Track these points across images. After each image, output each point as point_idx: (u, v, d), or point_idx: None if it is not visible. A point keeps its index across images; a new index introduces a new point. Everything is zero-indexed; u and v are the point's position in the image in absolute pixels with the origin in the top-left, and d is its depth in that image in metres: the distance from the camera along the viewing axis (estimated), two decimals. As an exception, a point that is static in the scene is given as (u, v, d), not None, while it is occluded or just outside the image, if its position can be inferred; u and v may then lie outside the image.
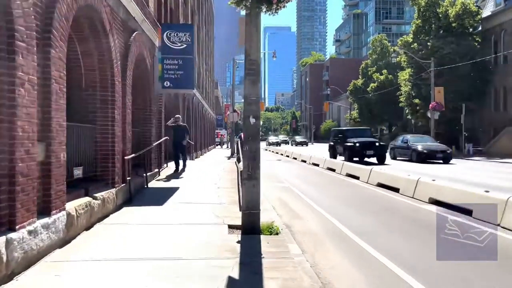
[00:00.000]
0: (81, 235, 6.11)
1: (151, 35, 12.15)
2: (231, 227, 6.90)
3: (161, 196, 9.59)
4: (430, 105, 33.79)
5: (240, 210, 8.24)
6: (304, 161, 23.72)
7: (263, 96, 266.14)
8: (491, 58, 35.72)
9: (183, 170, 14.29)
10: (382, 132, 62.59)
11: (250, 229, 6.46)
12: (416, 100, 38.44)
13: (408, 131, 49.97)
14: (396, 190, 11.03)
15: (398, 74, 44.94)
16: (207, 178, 12.54)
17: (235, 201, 9.14)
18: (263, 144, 63.48)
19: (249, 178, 6.59)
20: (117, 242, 5.81)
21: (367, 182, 13.07)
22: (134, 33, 9.84)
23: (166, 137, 14.30)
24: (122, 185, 8.70)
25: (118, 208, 8.24)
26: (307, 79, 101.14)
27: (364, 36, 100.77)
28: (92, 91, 7.92)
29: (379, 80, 51.95)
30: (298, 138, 70.67)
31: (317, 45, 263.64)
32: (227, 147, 51.71)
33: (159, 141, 12.42)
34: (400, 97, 42.27)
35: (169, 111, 18.18)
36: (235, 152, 27.79)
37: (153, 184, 11.45)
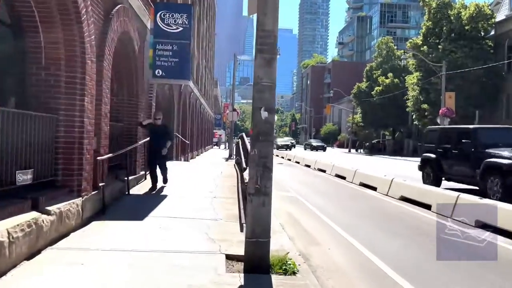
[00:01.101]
0: (15, 270, 4.28)
1: (141, 13, 10.33)
2: (229, 257, 5.10)
3: (143, 207, 7.77)
4: (440, 111, 32.06)
5: (241, 230, 6.47)
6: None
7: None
8: (504, 64, 34.06)
9: (161, 189, 9.86)
10: (385, 137, 60.97)
11: (257, 266, 4.65)
12: (425, 105, 36.74)
13: (412, 137, 48.42)
14: (427, 207, 9.24)
15: (405, 78, 43.25)
16: (202, 185, 10.69)
17: (234, 216, 7.33)
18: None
19: (258, 194, 4.80)
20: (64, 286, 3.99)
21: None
22: (118, 6, 8.02)
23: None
24: (93, 192, 6.87)
25: (86, 222, 6.42)
26: (308, 82, 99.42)
27: (368, 39, 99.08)
28: (54, 71, 6.10)
29: (384, 84, 50.20)
30: (314, 142, 58.58)
31: (318, 48, 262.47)
32: (225, 147, 49.91)
33: (146, 139, 10.61)
34: (407, 101, 40.57)
35: (162, 106, 16.36)
36: (234, 153, 26.08)
37: (137, 190, 9.62)
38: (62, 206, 5.61)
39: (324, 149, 53.94)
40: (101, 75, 7.18)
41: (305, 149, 55.33)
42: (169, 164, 15.07)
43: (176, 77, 11.36)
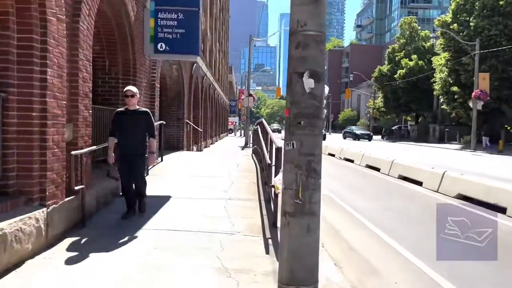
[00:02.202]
0: None
1: (138, -27, 8.48)
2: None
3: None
4: (473, 94, 29.55)
5: (266, 252, 4.66)
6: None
7: (277, 84, 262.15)
8: (543, 42, 31.21)
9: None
10: (406, 123, 58.28)
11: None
12: (454, 88, 34.17)
13: (438, 122, 45.79)
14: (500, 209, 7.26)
15: (432, 59, 40.52)
16: (214, 181, 8.87)
17: (256, 227, 5.53)
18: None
19: (299, 213, 2.96)
20: None
21: None
22: (102, -47, 6.16)
23: (162, 122, 10.69)
24: (67, 199, 5.12)
25: (55, 240, 4.69)
26: (326, 67, 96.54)
27: (387, 21, 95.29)
28: (3, 30, 4.30)
29: (407, 66, 47.44)
30: (357, 129, 47.48)
31: (335, 32, 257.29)
32: (241, 135, 48.14)
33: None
34: (434, 84, 37.99)
35: (170, 87, 14.55)
36: (250, 141, 24.27)
37: (135, 188, 7.86)
38: (9, 224, 3.85)
39: (370, 138, 43.84)
40: (77, 42, 5.36)
41: (344, 138, 45.86)
42: (179, 154, 13.46)
43: (182, 51, 9.46)
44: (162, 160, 10.76)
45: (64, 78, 4.98)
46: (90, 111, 5.93)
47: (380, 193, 10.01)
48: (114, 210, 6.28)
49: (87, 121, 5.81)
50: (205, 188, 7.97)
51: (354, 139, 43.20)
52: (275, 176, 5.48)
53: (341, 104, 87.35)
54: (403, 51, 50.72)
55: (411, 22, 52.51)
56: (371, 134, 46.33)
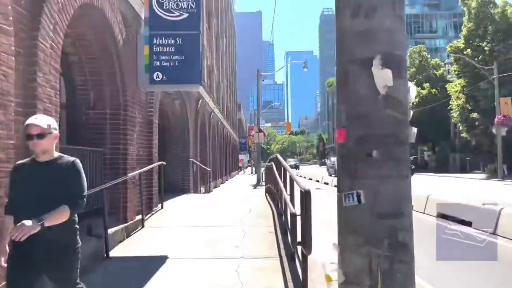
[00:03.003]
0: None
1: (127, -7, 7.38)
2: None
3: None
4: (496, 119, 27.95)
5: None
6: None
7: (286, 119, 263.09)
8: None
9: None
10: (423, 153, 56.35)
11: None
12: (474, 115, 32.62)
13: (457, 151, 43.91)
14: None
15: (446, 86, 39.22)
16: (223, 233, 7.32)
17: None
18: (307, 169, 51.92)
19: None
20: None
21: None
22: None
23: (161, 162, 9.31)
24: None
25: None
26: (334, 100, 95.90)
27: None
28: None
29: (420, 95, 46.13)
30: None
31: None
32: (251, 172, 46.67)
33: (140, 170, 7.46)
34: (451, 112, 36.52)
35: (174, 125, 13.31)
36: (262, 179, 22.81)
37: (126, 246, 6.38)
38: None
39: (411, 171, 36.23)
40: (35, 63, 4.08)
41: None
42: (184, 198, 11.99)
43: (182, 81, 8.21)
44: (162, 207, 9.30)
45: (10, 109, 3.65)
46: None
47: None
48: (92, 281, 4.79)
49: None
50: (212, 243, 6.44)
51: None
52: (302, 228, 4.01)
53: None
54: (415, 80, 49.63)
55: (421, 50, 51.83)
56: (413, 167, 39.38)
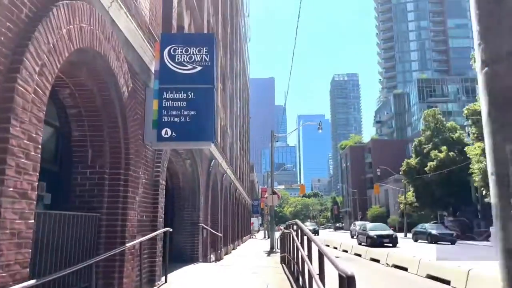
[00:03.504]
0: None
1: (137, 44, 6.84)
2: None
3: None
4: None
5: None
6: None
7: (299, 182, 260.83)
8: None
9: None
10: (443, 219, 53.98)
11: None
12: (497, 179, 31.16)
13: (480, 216, 41.83)
14: None
15: (465, 149, 38.15)
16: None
17: None
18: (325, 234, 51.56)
19: None
20: None
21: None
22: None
23: (167, 229, 8.29)
24: None
25: None
26: (348, 163, 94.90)
27: (407, 116, 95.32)
28: None
29: (438, 159, 45.06)
30: (435, 228, 33.21)
31: (353, 130, 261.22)
32: (264, 237, 44.80)
33: (141, 239, 6.47)
34: (472, 176, 35.15)
35: (183, 186, 12.41)
36: (277, 245, 21.40)
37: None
38: None
39: (453, 241, 30.43)
40: (9, 109, 3.32)
41: (415, 241, 33.25)
42: (191, 269, 10.77)
43: (193, 138, 7.45)
44: (166, 280, 8.14)
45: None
46: (31, 221, 3.66)
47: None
48: None
49: (22, 238, 3.52)
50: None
51: (430, 242, 30.33)
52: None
53: (368, 201, 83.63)
54: (431, 143, 48.79)
55: (435, 114, 51.45)
56: (453, 233, 32.75)
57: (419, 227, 35.61)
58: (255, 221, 57.72)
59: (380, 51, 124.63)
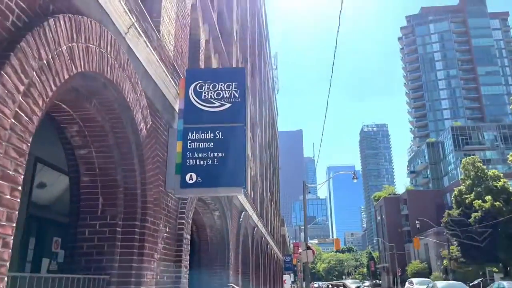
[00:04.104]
0: None
1: (159, 78, 6.11)
2: None
3: None
4: None
5: None
6: None
7: (331, 236, 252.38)
8: None
9: None
10: (492, 275, 49.54)
11: None
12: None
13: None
14: None
15: (512, 198, 35.47)
16: None
17: None
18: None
19: None
20: None
21: None
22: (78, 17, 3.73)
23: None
24: None
25: None
26: (383, 215, 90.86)
27: (443, 165, 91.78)
28: None
29: (482, 209, 42.09)
30: None
31: (385, 181, 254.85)
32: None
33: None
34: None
35: (211, 241, 11.28)
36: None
37: None
38: None
39: None
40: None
41: None
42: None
43: (222, 183, 6.43)
44: None
45: None
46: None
47: None
48: None
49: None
50: None
51: None
52: None
53: (406, 256, 78.75)
54: (473, 193, 45.92)
55: (475, 162, 48.89)
56: None
57: (496, 285, 28.37)
58: (288, 278, 54.74)
59: (410, 100, 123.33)
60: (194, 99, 6.75)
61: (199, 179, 6.35)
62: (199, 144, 6.51)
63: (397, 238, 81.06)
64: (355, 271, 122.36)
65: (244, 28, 21.32)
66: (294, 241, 61.35)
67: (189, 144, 6.53)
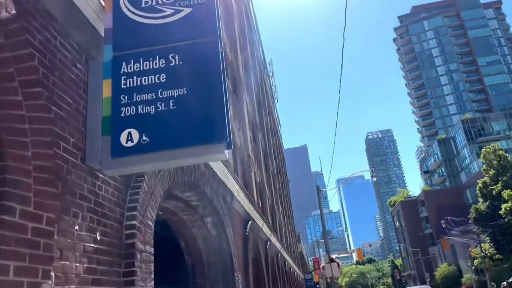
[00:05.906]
0: None
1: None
2: None
3: None
4: None
5: None
6: None
7: (349, 248, 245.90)
8: None
9: None
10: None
11: None
12: None
13: None
14: None
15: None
16: None
17: None
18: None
19: None
20: None
21: None
22: None
23: None
24: None
25: None
26: (401, 221, 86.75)
27: (458, 160, 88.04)
28: None
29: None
30: None
31: (397, 186, 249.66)
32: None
33: None
34: None
35: (208, 258, 8.27)
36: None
37: None
38: None
39: None
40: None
41: None
42: None
43: (186, 141, 3.57)
44: None
45: None
46: None
47: None
48: None
49: None
50: None
51: None
52: None
53: (431, 260, 74.42)
54: (499, 183, 42.57)
55: (496, 150, 45.65)
56: None
57: None
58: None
59: (413, 100, 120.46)
60: (129, 10, 3.93)
61: (144, 138, 3.47)
62: (141, 80, 3.66)
63: (419, 242, 76.92)
64: (379, 282, 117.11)
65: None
66: (314, 257, 57.57)
67: (123, 82, 3.68)
